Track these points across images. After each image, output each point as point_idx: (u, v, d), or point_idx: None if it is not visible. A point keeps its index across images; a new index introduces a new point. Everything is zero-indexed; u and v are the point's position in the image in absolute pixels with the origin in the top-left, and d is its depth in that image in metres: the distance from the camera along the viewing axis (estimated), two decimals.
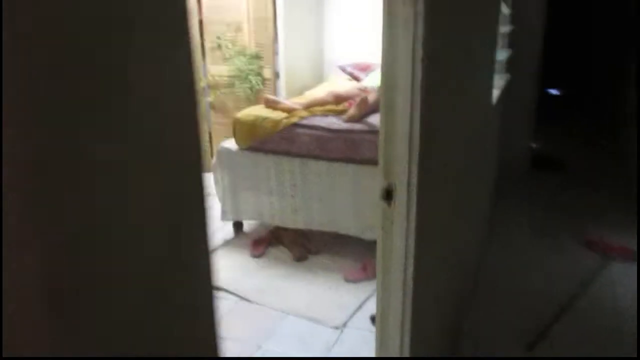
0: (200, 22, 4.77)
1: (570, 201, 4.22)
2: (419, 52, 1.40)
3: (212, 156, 4.98)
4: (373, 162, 3.18)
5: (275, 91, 4.68)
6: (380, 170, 1.52)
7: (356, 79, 4.74)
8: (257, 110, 3.50)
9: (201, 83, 4.84)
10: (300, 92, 4.60)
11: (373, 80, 4.21)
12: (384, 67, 1.48)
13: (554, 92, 7.32)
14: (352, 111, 3.27)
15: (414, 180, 1.46)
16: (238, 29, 4.69)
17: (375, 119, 3.27)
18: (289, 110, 3.43)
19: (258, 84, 4.65)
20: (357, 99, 3.35)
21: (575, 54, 6.23)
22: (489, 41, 2.66)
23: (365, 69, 4.73)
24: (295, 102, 3.55)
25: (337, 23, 5.13)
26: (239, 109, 4.74)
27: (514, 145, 4.65)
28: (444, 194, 1.90)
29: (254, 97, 4.70)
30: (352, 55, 5.05)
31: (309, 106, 3.51)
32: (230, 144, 3.55)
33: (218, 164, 3.59)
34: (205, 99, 4.90)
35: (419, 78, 1.42)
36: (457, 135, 2.02)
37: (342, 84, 4.66)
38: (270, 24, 4.56)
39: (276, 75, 4.72)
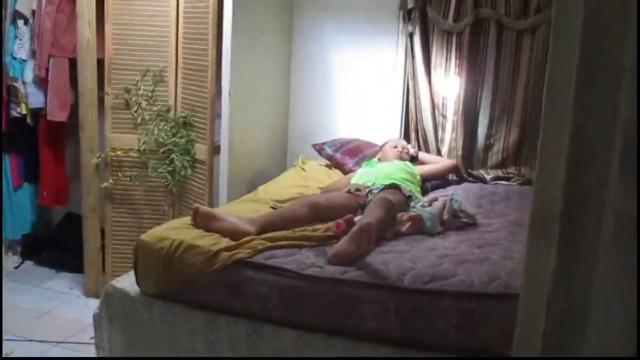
0: (100, 63, 4.03)
1: None
2: None
3: (103, 271, 4.17)
4: (380, 338, 2.42)
5: (211, 181, 3.91)
6: None
7: (339, 166, 4.07)
8: (178, 230, 2.73)
9: (94, 159, 4.03)
10: (252, 185, 3.86)
11: (369, 176, 3.54)
12: None
13: None
14: (343, 246, 2.52)
15: None
16: (160, 79, 3.98)
17: (381, 260, 2.52)
18: (235, 235, 2.66)
19: (185, 168, 3.88)
20: (353, 226, 2.60)
21: None
22: None
23: (355, 152, 4.08)
24: (243, 218, 2.78)
25: (310, 82, 4.52)
26: (152, 205, 4.01)
27: None
28: None
29: (177, 189, 3.94)
30: (330, 129, 4.49)
31: (268, 227, 2.74)
32: (129, 283, 2.75)
33: (105, 317, 2.77)
34: (100, 184, 4.09)
35: None
36: None
37: (319, 174, 3.98)
38: (211, 74, 3.84)
39: (216, 150, 3.97)
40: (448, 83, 4.14)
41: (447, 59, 4.12)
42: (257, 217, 2.84)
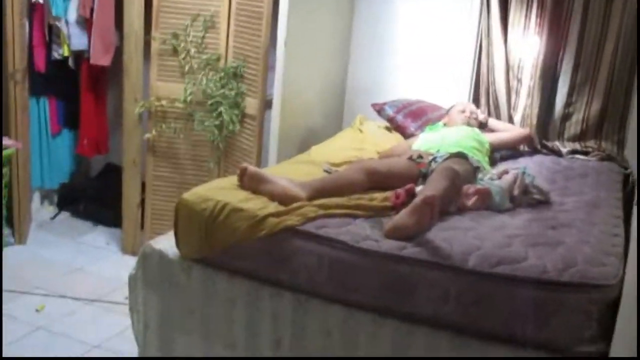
0: (148, 5, 3.98)
1: None
2: None
3: (142, 228, 4.17)
4: (436, 323, 2.34)
5: (261, 138, 3.86)
6: None
7: (400, 129, 3.99)
8: (223, 191, 2.68)
9: (137, 108, 4.00)
10: (304, 145, 3.79)
11: (433, 141, 3.44)
12: None
13: None
14: (403, 219, 2.43)
15: None
16: (210, 25, 3.92)
17: (443, 237, 2.42)
18: (285, 200, 2.59)
19: (233, 123, 3.83)
20: (413, 197, 2.51)
21: None
22: None
23: (418, 115, 4.00)
24: (294, 181, 2.71)
25: (373, 35, 4.44)
26: (197, 160, 3.97)
27: None
28: None
29: (224, 145, 3.92)
30: (392, 88, 4.42)
31: (320, 193, 2.68)
32: (168, 244, 2.71)
33: (141, 279, 2.75)
34: (143, 135, 4.07)
35: None
36: None
37: (377, 137, 3.90)
38: (266, 22, 3.76)
39: (267, 104, 3.91)
40: (526, 43, 4.00)
41: (527, 17, 3.97)
42: (309, 181, 2.78)
